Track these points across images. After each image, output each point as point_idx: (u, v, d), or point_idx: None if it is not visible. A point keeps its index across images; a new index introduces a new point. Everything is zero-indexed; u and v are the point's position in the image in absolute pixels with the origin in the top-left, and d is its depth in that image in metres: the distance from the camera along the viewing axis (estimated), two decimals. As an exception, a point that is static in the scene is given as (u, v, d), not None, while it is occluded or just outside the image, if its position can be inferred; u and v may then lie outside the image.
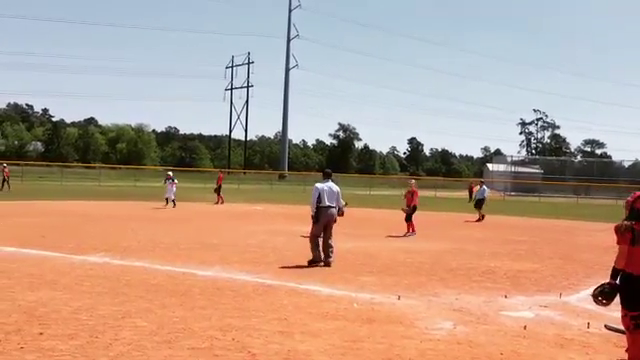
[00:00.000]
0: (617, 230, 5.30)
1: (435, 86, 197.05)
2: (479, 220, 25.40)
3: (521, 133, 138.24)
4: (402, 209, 19.28)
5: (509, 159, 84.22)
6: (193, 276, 9.99)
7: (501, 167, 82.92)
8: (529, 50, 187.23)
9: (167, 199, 27.42)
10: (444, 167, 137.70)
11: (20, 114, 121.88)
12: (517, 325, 7.33)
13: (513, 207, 39.53)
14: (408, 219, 18.75)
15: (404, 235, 17.91)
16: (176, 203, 27.26)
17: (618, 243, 5.29)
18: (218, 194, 31.69)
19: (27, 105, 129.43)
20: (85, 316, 7.01)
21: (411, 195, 19.23)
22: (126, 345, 5.93)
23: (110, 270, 10.29)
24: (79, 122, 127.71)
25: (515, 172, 78.02)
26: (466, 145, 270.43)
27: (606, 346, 6.65)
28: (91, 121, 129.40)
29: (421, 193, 25.05)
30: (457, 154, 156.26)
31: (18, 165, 60.94)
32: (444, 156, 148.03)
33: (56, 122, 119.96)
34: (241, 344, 6.15)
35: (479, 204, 26.44)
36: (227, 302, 8.09)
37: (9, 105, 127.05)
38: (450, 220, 26.48)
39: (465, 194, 55.51)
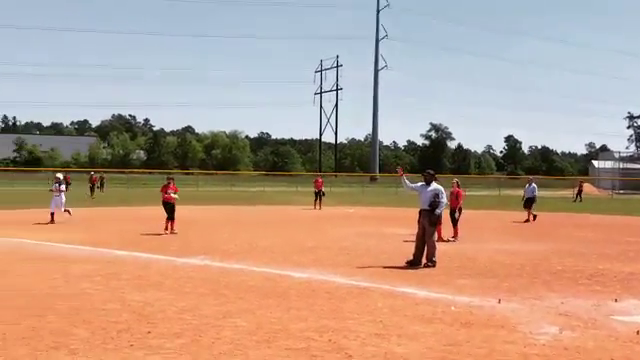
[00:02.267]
0: None
1: (532, 81, 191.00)
2: (527, 221, 23.50)
3: (629, 127, 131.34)
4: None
5: (617, 155, 79.91)
6: (289, 278, 10.13)
7: (608, 164, 78.82)
8: (634, 40, 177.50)
9: (52, 214, 19.91)
10: (544, 165, 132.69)
11: (124, 124, 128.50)
12: (629, 330, 6.93)
13: (622, 206, 37.59)
14: (454, 223, 16.81)
15: (446, 240, 15.97)
16: (70, 211, 20.68)
17: None
18: (317, 199, 29.99)
19: (130, 116, 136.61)
20: (189, 316, 7.27)
21: (455, 197, 17.09)
22: (227, 344, 6.10)
23: (210, 272, 10.63)
24: (177, 131, 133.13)
25: (624, 169, 73.97)
26: (569, 142, 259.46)
27: None
28: (188, 129, 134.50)
29: (520, 193, 24.26)
30: (559, 151, 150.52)
31: (123, 173, 64.13)
32: (544, 154, 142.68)
33: (156, 131, 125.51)
34: (337, 345, 6.16)
35: (529, 204, 24.19)
36: (323, 304, 8.14)
37: (114, 116, 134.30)
38: (552, 220, 25.47)
39: (570, 193, 53.29)
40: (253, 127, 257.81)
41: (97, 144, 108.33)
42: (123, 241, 14.80)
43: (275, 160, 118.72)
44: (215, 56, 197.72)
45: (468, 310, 7.97)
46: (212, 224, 20.46)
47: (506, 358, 5.88)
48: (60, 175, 21.68)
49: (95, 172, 44.59)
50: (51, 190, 20.72)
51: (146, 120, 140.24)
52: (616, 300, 8.71)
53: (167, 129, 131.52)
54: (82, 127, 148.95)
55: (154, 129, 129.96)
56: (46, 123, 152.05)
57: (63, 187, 20.76)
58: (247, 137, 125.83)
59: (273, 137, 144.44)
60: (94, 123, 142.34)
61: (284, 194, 48.20)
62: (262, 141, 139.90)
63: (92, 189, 39.60)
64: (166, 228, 16.99)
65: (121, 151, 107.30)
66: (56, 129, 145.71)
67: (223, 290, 8.93)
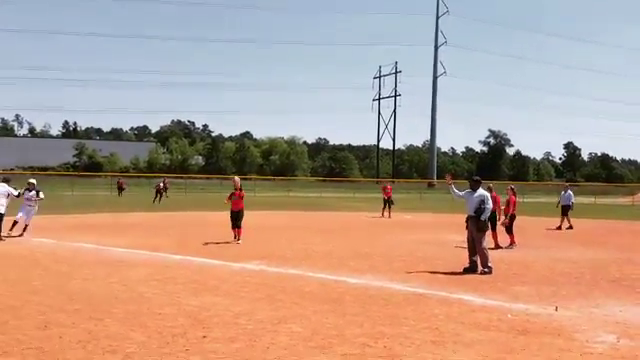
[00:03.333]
0: None
1: (591, 86, 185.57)
2: (559, 228, 22.59)
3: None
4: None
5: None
6: (345, 284, 10.19)
7: (671, 170, 76.00)
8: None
9: (15, 221, 16.70)
10: (604, 172, 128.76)
11: (183, 130, 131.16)
12: (690, 341, 6.73)
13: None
14: (508, 230, 16.46)
15: (504, 247, 15.85)
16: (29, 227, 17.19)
17: None
18: (385, 207, 28.69)
19: (189, 121, 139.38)
20: (244, 320, 7.42)
21: (507, 204, 16.76)
22: (282, 349, 6.20)
23: (266, 277, 10.79)
24: (236, 136, 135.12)
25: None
26: (629, 148, 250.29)
27: None
28: (246, 135, 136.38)
29: (579, 199, 23.61)
30: (619, 158, 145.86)
31: (182, 178, 65.45)
32: (604, 160, 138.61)
33: (215, 137, 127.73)
34: (392, 352, 6.19)
35: (565, 211, 23.31)
36: (378, 310, 8.17)
37: (173, 122, 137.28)
38: (612, 228, 24.74)
39: (629, 200, 51.61)
40: (311, 133, 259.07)
41: (156, 149, 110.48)
42: (180, 246, 15.14)
43: (333, 166, 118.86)
44: (274, 62, 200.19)
45: (525, 318, 7.88)
46: (269, 230, 20.71)
47: (563, 367, 5.79)
48: (34, 180, 17.84)
49: (163, 177, 45.43)
50: (26, 197, 17.18)
51: (205, 126, 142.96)
52: None
53: (225, 135, 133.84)
54: (142, 133, 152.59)
55: (212, 135, 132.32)
56: (106, 129, 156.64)
57: (41, 195, 17.38)
58: (305, 143, 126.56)
59: (331, 143, 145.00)
60: (153, 129, 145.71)
61: (341, 200, 48.28)
62: (320, 147, 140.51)
63: (159, 194, 39.33)
64: (235, 236, 16.17)
65: (179, 156, 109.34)
66: (116, 134, 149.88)
67: (279, 295, 9.06)
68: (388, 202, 28.61)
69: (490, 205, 11.97)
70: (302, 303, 8.52)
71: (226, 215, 16.68)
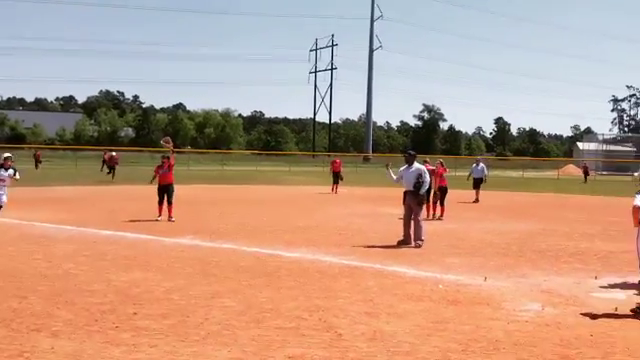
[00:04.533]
0: None
1: (522, 64, 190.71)
2: (476, 201, 22.84)
3: (613, 110, 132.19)
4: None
5: (600, 137, 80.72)
6: (280, 258, 10.18)
7: (592, 146, 79.79)
8: (621, 24, 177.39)
9: None
10: (532, 147, 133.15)
11: (112, 101, 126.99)
12: (608, 307, 7.08)
13: (604, 187, 37.86)
14: (440, 202, 17.10)
15: (434, 219, 16.49)
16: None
17: None
18: (335, 182, 27.74)
19: (118, 92, 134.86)
20: (177, 296, 7.30)
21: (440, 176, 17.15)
22: (216, 324, 6.13)
23: (200, 252, 10.65)
24: (168, 108, 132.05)
25: (606, 151, 74.88)
26: (555, 124, 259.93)
27: None
28: (179, 107, 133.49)
29: (508, 174, 24.31)
30: (545, 133, 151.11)
31: (111, 151, 63.69)
32: (532, 135, 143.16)
33: (146, 108, 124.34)
34: (328, 324, 6.23)
35: (478, 184, 23.49)
36: (313, 283, 8.20)
37: (101, 92, 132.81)
38: (539, 200, 25.67)
39: (555, 174, 53.68)
40: (246, 106, 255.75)
41: (83, 121, 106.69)
42: (110, 221, 14.74)
43: (268, 139, 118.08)
44: (208, 32, 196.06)
45: (455, 288, 8.08)
46: (203, 204, 20.45)
47: (490, 334, 5.98)
48: (9, 155, 14.45)
49: (109, 150, 42.51)
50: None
51: (135, 97, 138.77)
52: (596, 277, 8.85)
53: (157, 106, 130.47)
54: (68, 103, 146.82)
55: (143, 106, 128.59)
56: (29, 99, 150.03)
57: (17, 175, 14.04)
58: (240, 116, 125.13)
59: (267, 116, 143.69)
60: (80, 99, 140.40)
61: (277, 173, 48.16)
62: (255, 120, 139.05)
63: (111, 168, 36.12)
64: (160, 214, 15.09)
65: (108, 128, 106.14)
66: (40, 105, 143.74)
67: (212, 270, 8.96)
68: (337, 176, 27.92)
69: (427, 179, 12.06)
70: (236, 277, 8.45)
71: (155, 189, 15.67)
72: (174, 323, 6.15)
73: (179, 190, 16.16)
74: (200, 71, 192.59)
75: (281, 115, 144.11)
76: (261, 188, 30.41)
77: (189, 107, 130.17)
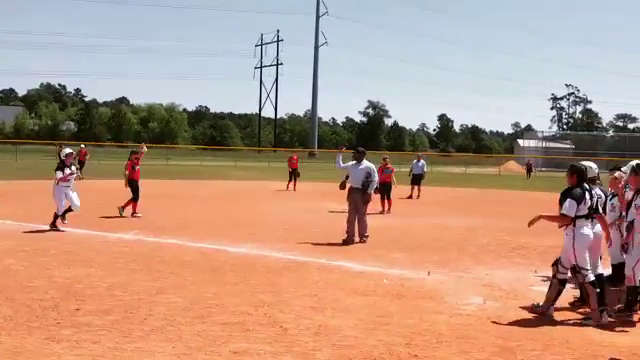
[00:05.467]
0: None
1: (465, 62, 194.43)
2: (411, 197, 23.01)
3: (552, 108, 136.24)
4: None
5: (540, 135, 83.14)
6: (225, 253, 10.13)
7: (532, 143, 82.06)
8: (560, 24, 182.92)
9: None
10: (474, 143, 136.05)
11: (53, 94, 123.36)
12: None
13: (544, 183, 39.04)
14: (387, 197, 17.69)
15: (379, 212, 16.96)
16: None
17: None
18: (291, 179, 26.55)
19: (60, 85, 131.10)
20: (120, 292, 7.18)
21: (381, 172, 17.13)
22: (160, 320, 6.06)
23: (144, 247, 10.49)
24: (111, 102, 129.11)
25: (546, 148, 77.17)
26: (496, 121, 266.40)
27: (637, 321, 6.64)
28: (123, 100, 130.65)
29: (450, 170, 24.78)
30: (487, 130, 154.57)
31: (52, 145, 61.94)
32: (474, 132, 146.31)
33: (88, 102, 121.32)
34: (273, 319, 6.24)
35: (417, 180, 23.59)
36: (259, 278, 8.19)
37: (42, 85, 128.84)
38: (481, 196, 26.26)
39: (496, 170, 55.04)
40: (191, 100, 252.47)
41: (23, 114, 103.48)
42: (51, 215, 14.30)
43: (213, 134, 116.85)
44: (152, 25, 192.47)
45: (400, 282, 8.21)
46: (147, 199, 20.03)
47: (434, 328, 6.11)
48: (70, 150, 13.36)
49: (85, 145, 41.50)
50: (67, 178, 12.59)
51: (77, 90, 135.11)
52: (536, 272, 9.14)
53: (100, 100, 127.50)
54: (7, 96, 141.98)
55: (86, 99, 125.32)
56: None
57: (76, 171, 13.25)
58: (185, 110, 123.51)
59: (212, 111, 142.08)
60: (20, 92, 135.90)
61: (222, 169, 47.74)
62: (200, 115, 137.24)
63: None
64: (134, 211, 14.93)
65: (49, 122, 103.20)
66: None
67: (156, 266, 8.84)
68: (294, 174, 26.82)
69: (376, 177, 12.01)
70: (181, 273, 8.36)
71: (98, 183, 15.59)
72: (117, 319, 6.06)
73: (121, 185, 15.85)
74: (144, 65, 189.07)
75: (226, 110, 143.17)
76: (206, 183, 30.07)
77: (133, 101, 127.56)
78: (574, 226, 6.62)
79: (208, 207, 17.83)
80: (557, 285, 6.82)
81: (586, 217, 6.63)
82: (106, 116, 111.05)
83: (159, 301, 6.82)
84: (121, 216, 14.63)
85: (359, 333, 5.87)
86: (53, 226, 12.16)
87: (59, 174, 12.39)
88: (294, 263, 9.38)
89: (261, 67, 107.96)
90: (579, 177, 6.75)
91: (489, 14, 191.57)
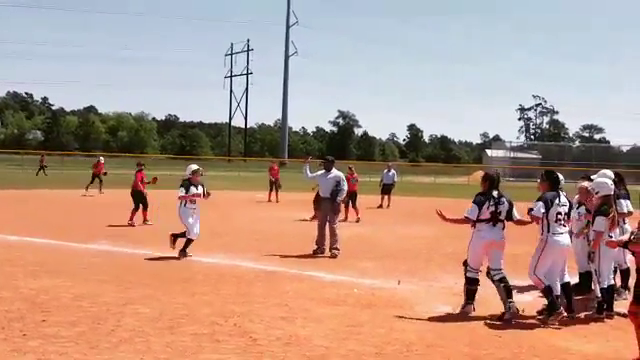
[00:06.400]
0: None
1: (434, 72, 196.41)
2: (381, 207, 23.02)
3: (520, 119, 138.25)
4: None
5: (508, 145, 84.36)
6: (196, 263, 10.07)
7: (500, 153, 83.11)
8: (528, 35, 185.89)
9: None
10: (443, 153, 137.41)
11: (20, 102, 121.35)
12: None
13: (511, 192, 39.55)
14: (352, 205, 17.91)
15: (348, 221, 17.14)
16: None
17: None
18: (272, 190, 25.42)
19: (27, 94, 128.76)
20: (87, 303, 7.08)
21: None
22: (128, 331, 6.00)
23: (113, 258, 10.37)
24: (79, 110, 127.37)
25: (513, 158, 78.28)
26: (465, 131, 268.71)
27: (602, 329, 6.80)
28: (91, 109, 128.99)
29: (420, 179, 24.95)
30: (456, 140, 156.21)
31: (18, 154, 60.82)
32: (443, 142, 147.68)
33: (55, 110, 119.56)
34: (243, 329, 6.21)
35: (387, 190, 23.61)
36: (229, 288, 8.16)
37: (9, 93, 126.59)
38: (449, 205, 26.43)
39: (465, 180, 55.60)
40: (160, 109, 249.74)
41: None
42: (17, 226, 14.08)
43: (183, 143, 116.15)
44: (121, 33, 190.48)
45: (370, 292, 8.25)
46: (116, 208, 19.84)
47: (404, 337, 6.15)
48: (196, 166, 11.92)
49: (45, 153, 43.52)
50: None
51: (44, 99, 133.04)
52: (399, 282, 9.10)
53: (67, 109, 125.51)
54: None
55: (53, 108, 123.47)
56: None
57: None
58: (154, 119, 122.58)
59: (181, 120, 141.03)
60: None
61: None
62: (170, 124, 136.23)
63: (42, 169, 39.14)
64: (145, 219, 15.41)
65: (16, 131, 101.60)
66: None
67: (126, 276, 8.74)
68: (275, 184, 25.48)
69: (345, 186, 11.79)
70: (150, 284, 8.28)
71: (65, 193, 15.46)
72: (84, 330, 5.98)
73: (89, 194, 15.66)
74: (113, 73, 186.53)
75: (196, 119, 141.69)
76: (177, 193, 29.73)
77: (101, 110, 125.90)
78: (474, 228, 7.26)
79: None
80: (499, 286, 7.18)
81: (487, 221, 7.17)
82: (73, 125, 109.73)
83: (128, 312, 6.74)
84: (132, 226, 14.94)
85: (330, 343, 5.87)
86: (183, 252, 10.47)
87: (181, 192, 10.98)
88: (265, 273, 9.36)
89: (231, 76, 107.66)
90: (489, 184, 7.31)
91: (458, 25, 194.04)
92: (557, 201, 6.99)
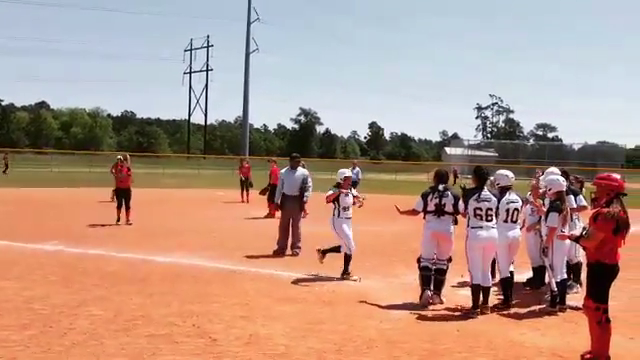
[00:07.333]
0: (605, 216, 5.24)
1: (395, 70, 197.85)
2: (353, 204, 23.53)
3: (477, 117, 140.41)
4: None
5: (466, 143, 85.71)
6: (152, 263, 9.84)
7: (458, 150, 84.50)
8: (486, 36, 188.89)
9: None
10: (403, 151, 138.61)
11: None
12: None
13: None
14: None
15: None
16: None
17: (598, 230, 5.27)
18: (245, 189, 23.95)
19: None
20: (39, 305, 6.84)
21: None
22: (82, 334, 5.81)
23: (64, 258, 10.06)
24: (30, 106, 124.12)
25: (471, 155, 79.55)
26: (425, 129, 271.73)
27: (555, 322, 6.89)
28: (43, 105, 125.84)
29: (381, 177, 25.06)
30: (416, 138, 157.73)
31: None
32: (403, 140, 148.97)
33: (5, 106, 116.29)
34: (202, 330, 6.09)
35: (353, 187, 24.12)
36: (187, 288, 8.00)
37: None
38: (410, 203, 26.65)
39: (425, 177, 56.14)
40: (116, 105, 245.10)
41: None
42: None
43: (140, 140, 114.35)
44: (76, 28, 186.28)
45: (331, 289, 8.20)
46: (69, 207, 19.41)
47: (364, 333, 6.12)
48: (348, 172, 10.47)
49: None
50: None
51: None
52: (462, 276, 9.22)
53: (18, 104, 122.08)
54: None
55: (2, 103, 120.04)
56: None
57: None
58: (109, 115, 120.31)
59: (138, 116, 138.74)
60: None
61: (150, 176, 46.67)
62: (126, 120, 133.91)
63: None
64: (119, 218, 14.92)
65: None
66: None
67: (78, 277, 8.49)
68: (246, 183, 24.22)
69: (311, 183, 11.57)
70: (104, 284, 8.06)
71: (14, 192, 14.93)
72: (35, 334, 5.77)
73: (41, 193, 15.23)
74: (67, 68, 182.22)
75: (154, 116, 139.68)
76: (133, 191, 29.28)
77: (53, 105, 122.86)
78: (424, 220, 7.81)
79: (135, 215, 17.31)
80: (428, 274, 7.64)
81: (433, 213, 7.70)
82: (24, 121, 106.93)
83: (81, 314, 6.54)
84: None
85: (290, 341, 5.79)
86: (345, 274, 8.96)
87: (330, 192, 9.49)
88: (224, 272, 9.22)
89: (190, 72, 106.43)
90: (437, 179, 7.90)
91: (420, 23, 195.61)
92: (476, 196, 7.26)
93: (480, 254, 7.22)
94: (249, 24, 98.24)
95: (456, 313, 7.12)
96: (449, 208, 7.62)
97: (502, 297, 7.50)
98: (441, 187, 7.73)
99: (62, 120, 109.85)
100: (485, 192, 7.32)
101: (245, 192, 23.99)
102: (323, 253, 9.45)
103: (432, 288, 7.51)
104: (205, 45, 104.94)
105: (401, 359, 5.43)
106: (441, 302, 7.48)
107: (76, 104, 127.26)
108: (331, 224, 9.46)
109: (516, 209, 7.56)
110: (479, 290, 7.13)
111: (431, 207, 7.70)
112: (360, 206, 9.92)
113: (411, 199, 8.32)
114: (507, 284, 7.44)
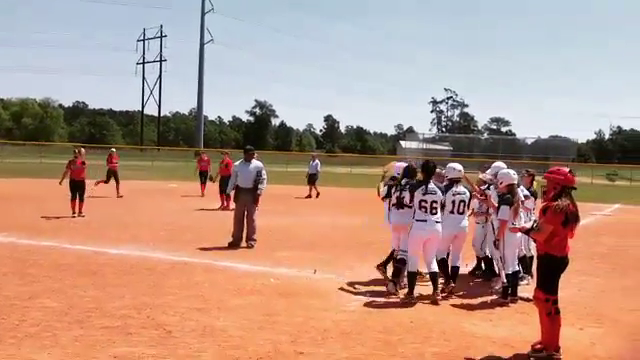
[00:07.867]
0: (554, 209, 5.36)
1: (351, 65, 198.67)
2: (309, 197, 23.33)
3: (432, 111, 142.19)
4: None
5: (421, 137, 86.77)
6: (105, 255, 9.73)
7: (413, 144, 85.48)
8: (442, 31, 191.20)
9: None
10: (359, 144, 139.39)
11: None
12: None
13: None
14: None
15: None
16: None
17: (547, 222, 5.39)
18: (203, 183, 23.06)
19: None
20: (-11, 298, 6.72)
21: (225, 166, 17.99)
22: (34, 326, 5.74)
23: (16, 250, 9.86)
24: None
25: (426, 149, 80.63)
26: (380, 123, 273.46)
27: (507, 313, 7.10)
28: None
29: (338, 170, 25.24)
30: (372, 131, 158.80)
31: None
32: (359, 133, 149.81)
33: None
34: (156, 322, 6.08)
35: (312, 179, 24.08)
36: (141, 280, 7.95)
37: None
38: (366, 196, 26.90)
39: (380, 170, 56.60)
40: (68, 96, 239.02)
41: None
42: None
43: (92, 131, 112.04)
44: (27, 16, 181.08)
45: (287, 281, 8.26)
46: (19, 198, 18.96)
47: (320, 324, 6.20)
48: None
49: None
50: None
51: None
52: (315, 271, 9.24)
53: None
54: None
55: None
56: None
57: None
58: (61, 106, 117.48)
59: (90, 107, 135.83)
60: None
61: (102, 167, 45.87)
62: (78, 111, 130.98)
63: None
64: (74, 211, 14.68)
65: None
66: None
67: (30, 269, 8.35)
68: (204, 176, 23.29)
69: (265, 176, 11.53)
70: (57, 277, 7.95)
71: None
72: (-15, 327, 5.66)
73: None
74: (16, 57, 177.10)
75: (106, 107, 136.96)
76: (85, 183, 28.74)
77: (3, 95, 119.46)
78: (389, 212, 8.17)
79: (87, 208, 17.03)
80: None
81: (395, 205, 7.97)
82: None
83: (33, 306, 6.45)
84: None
85: (245, 333, 5.84)
86: (410, 295, 7.44)
87: (384, 190, 8.64)
88: (178, 264, 9.18)
89: (143, 63, 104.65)
90: (403, 173, 8.14)
91: (375, 19, 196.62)
92: (422, 189, 7.50)
93: (421, 246, 7.52)
94: (203, 14, 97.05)
95: (410, 305, 7.26)
96: (407, 201, 7.76)
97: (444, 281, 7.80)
98: (403, 181, 7.96)
99: (12, 110, 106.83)
100: (431, 185, 7.52)
101: (203, 185, 23.34)
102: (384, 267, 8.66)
103: (387, 276, 7.88)
104: (158, 35, 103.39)
105: (355, 350, 5.52)
106: (396, 292, 7.62)
107: (27, 94, 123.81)
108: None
109: (462, 201, 7.93)
110: (415, 277, 7.46)
111: (394, 200, 8.01)
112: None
113: (366, 192, 8.45)
114: (443, 266, 7.85)
